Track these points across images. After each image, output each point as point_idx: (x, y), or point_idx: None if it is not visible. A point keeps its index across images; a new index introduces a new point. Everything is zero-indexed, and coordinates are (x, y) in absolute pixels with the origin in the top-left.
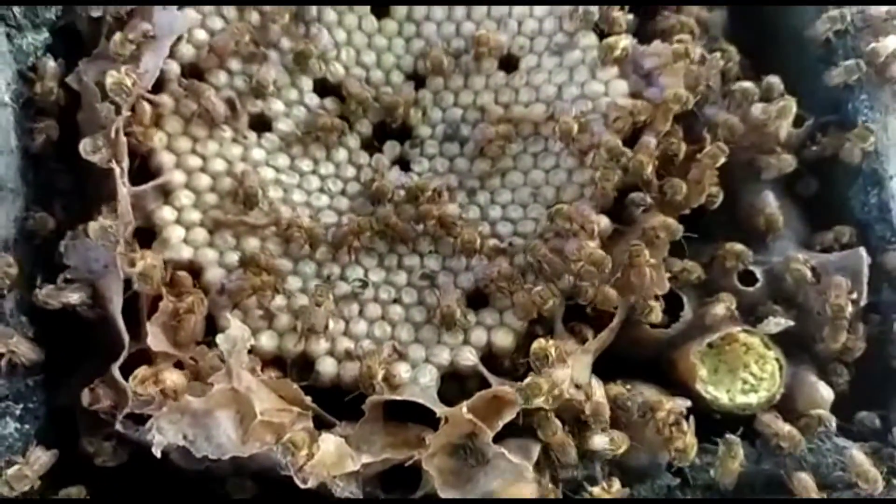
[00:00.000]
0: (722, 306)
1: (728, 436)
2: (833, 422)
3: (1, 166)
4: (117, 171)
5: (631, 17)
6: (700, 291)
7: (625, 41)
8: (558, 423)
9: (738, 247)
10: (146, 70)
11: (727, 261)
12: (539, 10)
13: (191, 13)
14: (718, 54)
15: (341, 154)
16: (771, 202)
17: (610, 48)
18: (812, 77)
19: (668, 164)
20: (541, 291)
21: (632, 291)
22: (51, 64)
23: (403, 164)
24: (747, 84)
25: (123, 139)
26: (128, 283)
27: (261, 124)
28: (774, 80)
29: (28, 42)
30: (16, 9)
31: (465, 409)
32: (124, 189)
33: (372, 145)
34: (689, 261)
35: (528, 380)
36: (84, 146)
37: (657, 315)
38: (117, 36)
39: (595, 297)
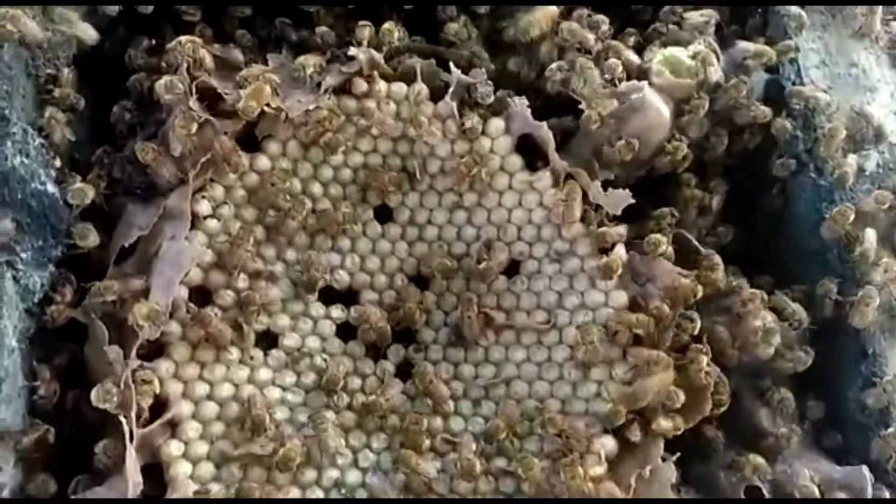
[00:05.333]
0: None
1: None
2: None
3: (8, 414)
4: (125, 426)
5: (623, 229)
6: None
7: (622, 257)
8: None
9: (759, 459)
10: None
11: (744, 470)
12: (537, 216)
13: (198, 245)
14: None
15: (346, 365)
16: (773, 425)
17: (610, 270)
18: (804, 264)
19: None
20: None
21: None
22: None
23: (408, 367)
24: (768, 319)
25: (132, 387)
26: None
27: (266, 339)
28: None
29: (34, 281)
30: (23, 254)
31: None
32: (133, 453)
33: (376, 346)
34: None
35: None
36: (95, 395)
37: None
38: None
39: None
